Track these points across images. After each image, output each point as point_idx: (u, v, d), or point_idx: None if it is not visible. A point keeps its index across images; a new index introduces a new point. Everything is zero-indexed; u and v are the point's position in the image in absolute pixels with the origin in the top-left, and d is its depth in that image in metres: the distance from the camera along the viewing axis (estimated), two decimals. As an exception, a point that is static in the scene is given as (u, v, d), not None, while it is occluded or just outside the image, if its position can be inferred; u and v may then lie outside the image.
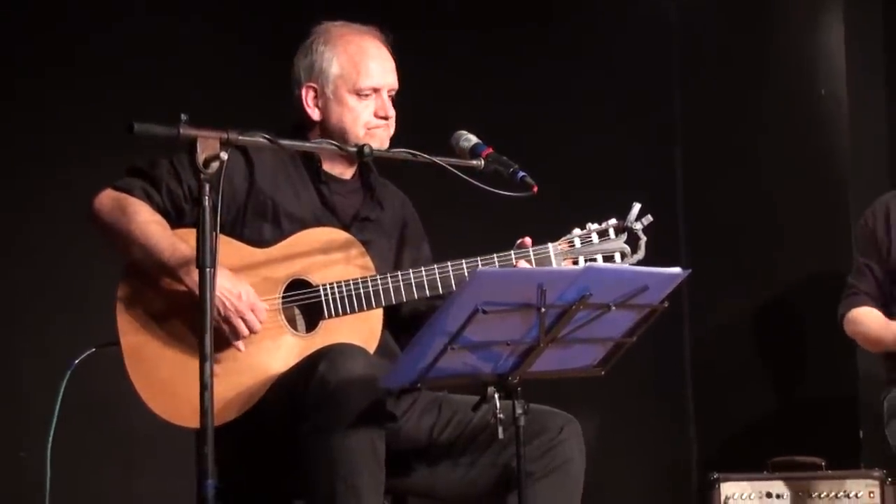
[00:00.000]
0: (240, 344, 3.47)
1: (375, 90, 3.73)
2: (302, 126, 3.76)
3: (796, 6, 5.90)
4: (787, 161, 5.88)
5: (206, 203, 3.04)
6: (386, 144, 3.72)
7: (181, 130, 3.05)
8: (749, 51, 6.02)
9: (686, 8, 6.27)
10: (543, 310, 3.04)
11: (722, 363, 6.12)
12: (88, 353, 3.55)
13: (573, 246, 3.64)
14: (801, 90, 5.86)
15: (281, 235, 3.62)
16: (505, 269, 3.52)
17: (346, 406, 3.26)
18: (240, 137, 3.15)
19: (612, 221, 3.65)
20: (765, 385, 5.94)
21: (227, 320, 3.43)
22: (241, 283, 3.47)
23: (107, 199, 3.56)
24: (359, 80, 3.72)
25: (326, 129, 3.73)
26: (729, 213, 6.09)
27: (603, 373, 3.30)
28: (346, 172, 3.79)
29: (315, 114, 3.75)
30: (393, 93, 3.77)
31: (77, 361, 3.54)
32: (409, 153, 3.52)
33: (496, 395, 3.16)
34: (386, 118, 3.73)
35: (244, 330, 3.45)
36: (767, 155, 5.96)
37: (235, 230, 3.60)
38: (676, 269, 3.15)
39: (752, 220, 5.99)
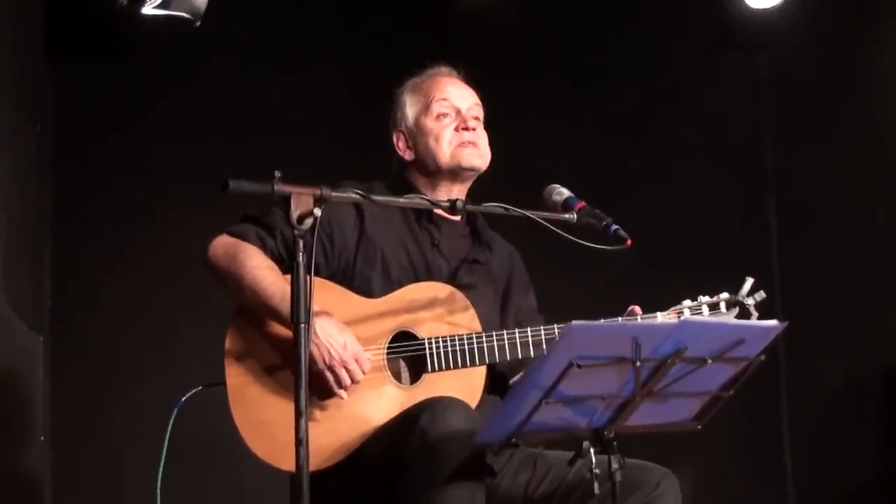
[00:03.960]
0: (342, 393, 3.48)
1: (454, 109, 3.78)
2: (401, 168, 3.84)
3: (892, 57, 5.82)
4: (882, 217, 5.79)
5: (301, 259, 3.06)
6: (479, 164, 3.76)
7: (275, 187, 3.09)
8: (844, 104, 5.93)
9: (778, 61, 6.21)
10: (639, 363, 3.01)
11: (820, 420, 6.00)
12: (195, 391, 3.63)
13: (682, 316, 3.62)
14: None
15: (389, 286, 3.65)
16: (598, 322, 3.49)
17: (447, 459, 3.26)
18: (333, 193, 3.18)
19: (724, 295, 3.65)
20: (865, 444, 5.82)
21: (331, 368, 3.46)
22: (347, 332, 3.49)
23: (220, 244, 3.62)
24: (431, 103, 3.80)
25: (422, 164, 3.80)
26: (825, 270, 5.97)
27: (699, 427, 3.25)
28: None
29: (408, 154, 3.83)
30: (477, 115, 3.81)
31: (185, 399, 3.61)
32: (502, 207, 3.52)
33: (591, 450, 3.12)
34: (467, 129, 3.76)
35: (346, 379, 3.47)
36: (863, 210, 5.87)
37: (346, 279, 3.65)
38: (773, 322, 3.11)
39: (848, 276, 5.88)
